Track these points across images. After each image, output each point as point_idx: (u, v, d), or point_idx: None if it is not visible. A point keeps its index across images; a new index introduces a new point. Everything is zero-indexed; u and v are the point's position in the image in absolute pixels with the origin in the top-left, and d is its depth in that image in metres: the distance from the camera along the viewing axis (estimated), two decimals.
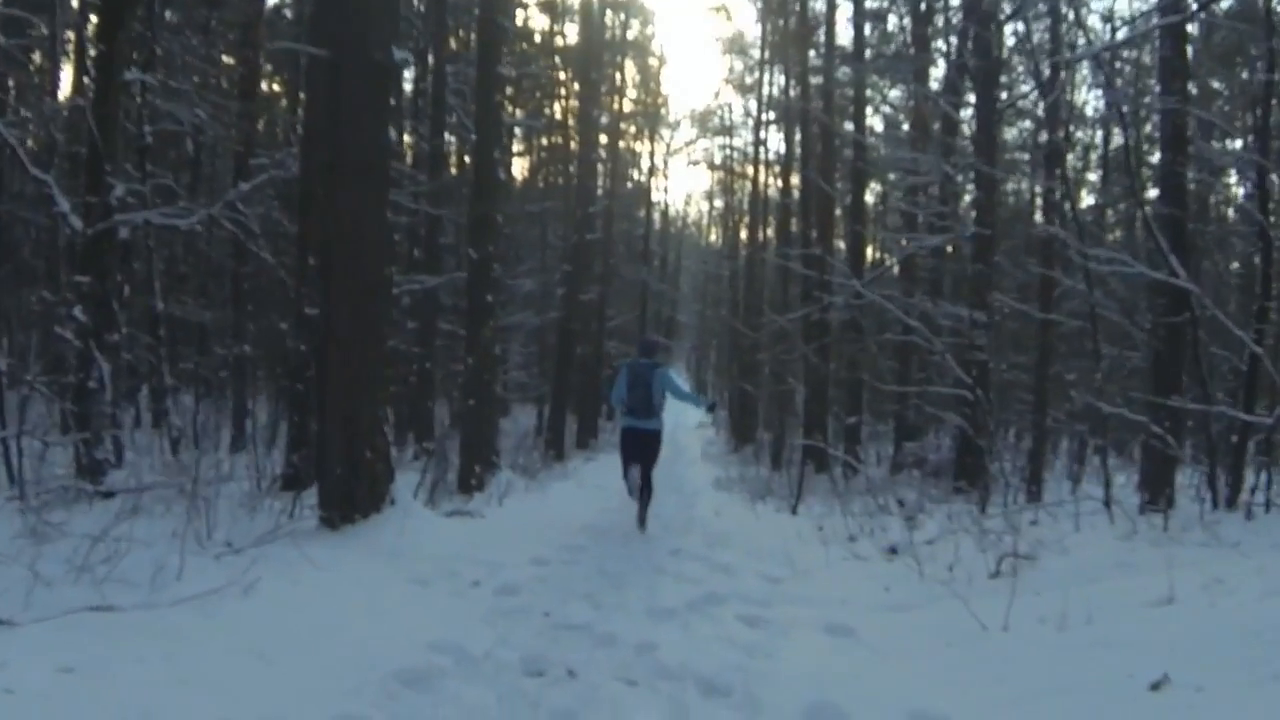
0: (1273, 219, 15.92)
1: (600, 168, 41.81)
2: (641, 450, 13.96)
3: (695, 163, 59.77)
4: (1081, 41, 23.65)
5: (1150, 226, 15.45)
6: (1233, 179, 28.31)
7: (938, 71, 30.85)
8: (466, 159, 30.88)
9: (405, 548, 10.31)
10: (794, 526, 15.19)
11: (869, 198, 34.12)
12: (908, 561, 10.96)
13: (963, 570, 9.87)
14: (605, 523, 15.14)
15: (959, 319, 21.38)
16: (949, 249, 27.85)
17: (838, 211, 32.16)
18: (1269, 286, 15.36)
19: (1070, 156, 26.22)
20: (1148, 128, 24.71)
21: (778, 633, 8.11)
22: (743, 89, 49.00)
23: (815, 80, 32.70)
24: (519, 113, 41.47)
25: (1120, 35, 19.43)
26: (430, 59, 27.86)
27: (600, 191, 41.14)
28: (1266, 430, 14.20)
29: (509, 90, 36.96)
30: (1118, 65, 25.64)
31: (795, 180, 37.98)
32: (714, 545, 13.10)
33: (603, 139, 42.10)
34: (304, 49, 13.97)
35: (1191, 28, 18.82)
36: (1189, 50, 17.52)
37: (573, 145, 37.55)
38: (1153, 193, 19.07)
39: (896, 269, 30.67)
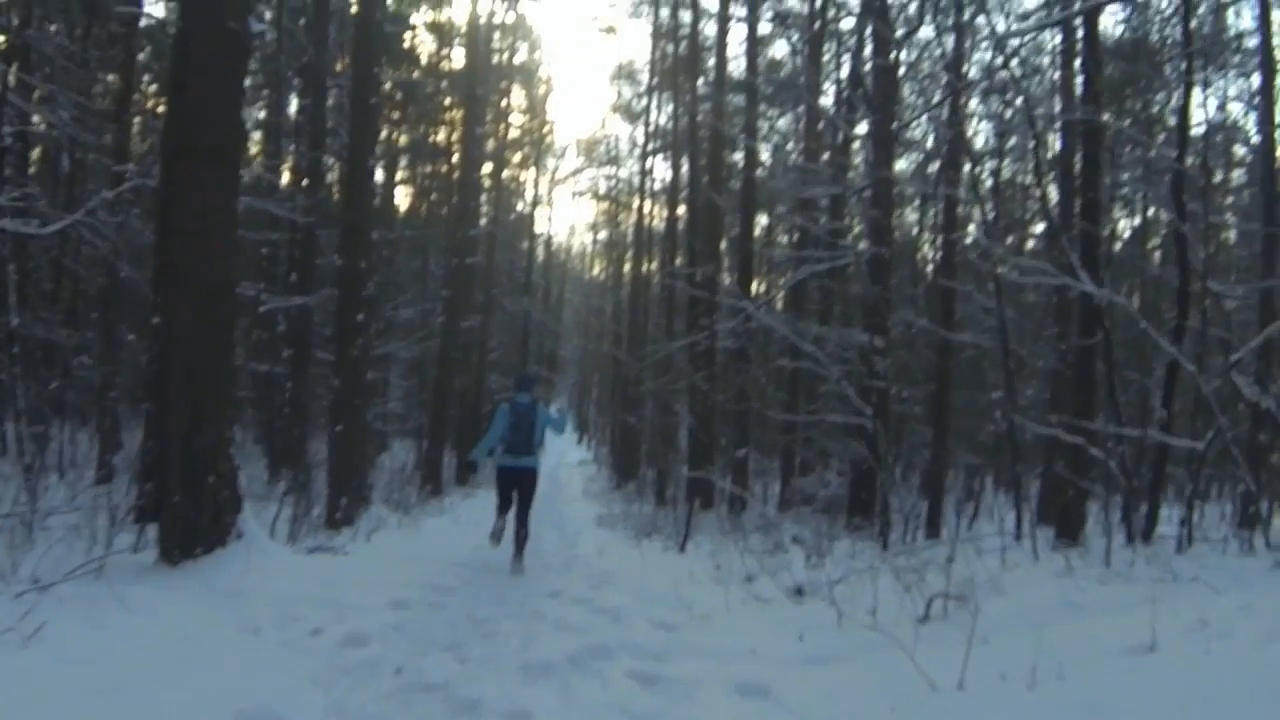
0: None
1: (484, 195, 40.54)
2: (521, 489, 13.27)
3: (581, 193, 58.53)
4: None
5: (1064, 242, 14.79)
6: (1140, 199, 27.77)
7: (827, 100, 30.06)
8: None
9: (246, 587, 8.88)
10: (684, 565, 13.88)
11: (756, 232, 33.00)
12: (818, 604, 9.72)
13: (887, 613, 8.55)
14: (479, 561, 13.75)
15: (854, 345, 20.25)
16: (841, 275, 26.84)
17: (724, 244, 31.02)
18: (1185, 305, 14.78)
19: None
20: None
21: (680, 696, 6.66)
22: (630, 116, 48.06)
23: (704, 107, 31.64)
24: (403, 139, 40.12)
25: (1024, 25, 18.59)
26: (296, 84, 26.39)
27: (484, 219, 39.90)
28: (1197, 456, 13.29)
29: (395, 115, 35.70)
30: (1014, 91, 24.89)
31: (681, 210, 36.97)
32: (599, 586, 11.69)
33: (487, 166, 40.88)
34: (145, 14, 12.45)
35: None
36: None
37: (455, 174, 36.02)
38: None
39: (781, 299, 29.70)
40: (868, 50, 24.11)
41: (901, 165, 31.13)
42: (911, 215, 33.42)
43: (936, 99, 23.93)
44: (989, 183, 22.35)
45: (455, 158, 37.00)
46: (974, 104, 27.35)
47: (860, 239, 25.86)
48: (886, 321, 19.80)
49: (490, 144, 41.76)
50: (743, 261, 28.21)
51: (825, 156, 27.57)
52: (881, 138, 20.30)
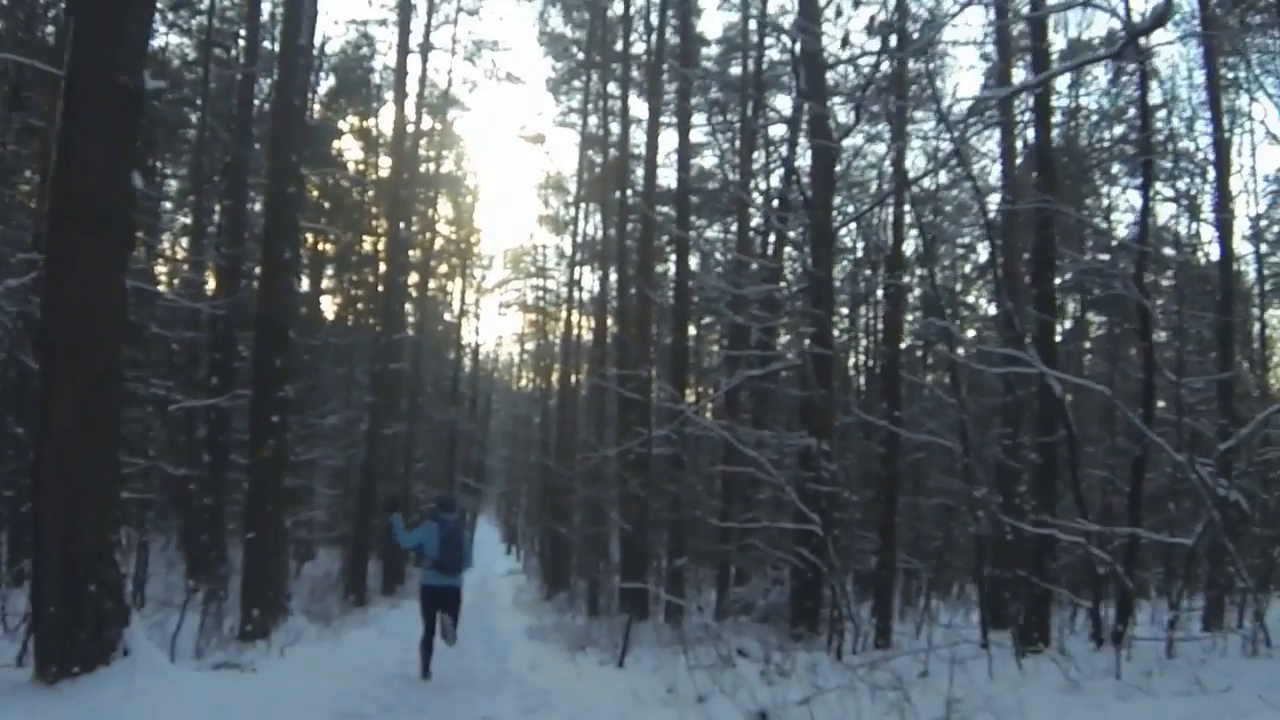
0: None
1: (410, 305, 39.33)
2: (447, 607, 12.99)
3: (508, 305, 57.24)
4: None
5: (1019, 335, 13.88)
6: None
7: (757, 205, 29.12)
8: None
9: (124, 715, 7.35)
10: (626, 682, 12.46)
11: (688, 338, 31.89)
12: None
13: None
14: (401, 680, 12.23)
15: (796, 450, 19.01)
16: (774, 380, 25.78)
17: (652, 352, 29.82)
18: (1151, 395, 13.93)
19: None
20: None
21: None
22: (558, 227, 47.08)
23: (633, 217, 30.75)
24: (329, 247, 38.84)
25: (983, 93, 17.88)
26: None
27: (410, 328, 38.71)
28: (1186, 551, 12.22)
29: (321, 221, 34.39)
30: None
31: (610, 321, 35.91)
32: (534, 711, 10.23)
33: (413, 276, 39.73)
34: (20, 59, 11.01)
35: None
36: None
37: (381, 283, 34.67)
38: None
39: (710, 407, 28.54)
40: (801, 149, 23.40)
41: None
42: (840, 323, 32.43)
43: (880, 191, 23.42)
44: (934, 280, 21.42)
45: (382, 267, 35.60)
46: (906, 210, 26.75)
47: (791, 346, 25.04)
48: (831, 423, 18.64)
49: (416, 253, 40.77)
50: (675, 367, 26.98)
51: (754, 266, 26.54)
52: (820, 234, 19.27)
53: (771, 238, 28.00)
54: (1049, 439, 15.16)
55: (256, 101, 24.46)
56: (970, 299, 34.61)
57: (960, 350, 16.20)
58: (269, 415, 16.10)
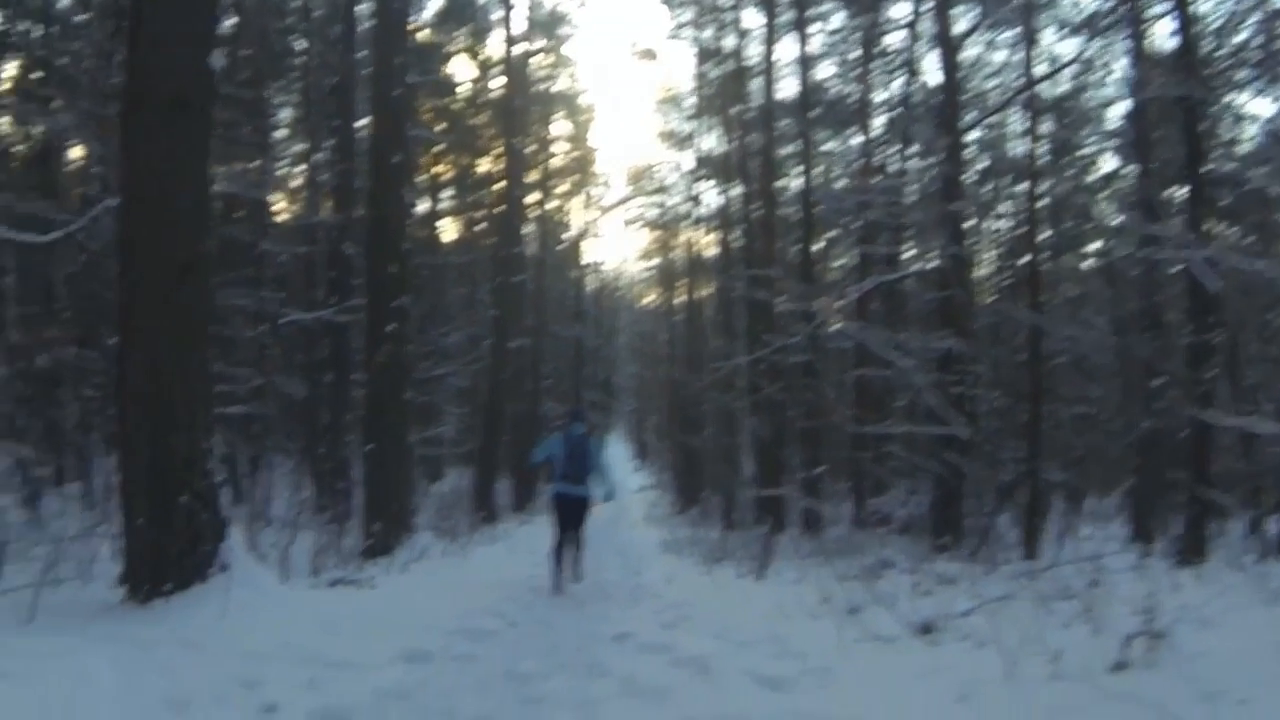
0: None
1: (530, 224, 38.49)
2: (576, 515, 12.71)
3: (631, 222, 55.94)
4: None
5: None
6: None
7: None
8: None
9: (215, 636, 6.60)
10: (769, 595, 11.41)
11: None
12: (959, 646, 7.25)
13: (1076, 659, 5.98)
14: (529, 593, 11.33)
15: (935, 353, 17.71)
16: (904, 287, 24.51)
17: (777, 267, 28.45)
18: None
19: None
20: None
21: None
22: (677, 143, 45.47)
23: (753, 136, 29.59)
24: (446, 173, 37.93)
25: None
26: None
27: (531, 245, 37.84)
28: None
29: (438, 149, 33.55)
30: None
31: (735, 235, 34.60)
32: (674, 625, 9.16)
33: (533, 195, 38.84)
34: None
35: None
36: None
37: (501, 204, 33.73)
38: None
39: (840, 314, 27.15)
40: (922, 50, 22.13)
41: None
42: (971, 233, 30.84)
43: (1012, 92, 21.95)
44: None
45: (500, 185, 34.62)
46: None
47: (922, 253, 23.72)
48: (971, 325, 17.32)
49: (535, 174, 39.56)
50: (804, 277, 25.53)
51: (879, 178, 25.03)
52: (949, 128, 17.86)
53: (894, 149, 26.55)
54: (1205, 336, 13.76)
55: (362, 27, 23.52)
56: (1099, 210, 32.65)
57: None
58: (384, 324, 15.20)
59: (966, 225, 28.48)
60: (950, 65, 18.32)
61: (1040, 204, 28.16)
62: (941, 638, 7.79)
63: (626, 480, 53.99)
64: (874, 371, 21.18)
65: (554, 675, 6.64)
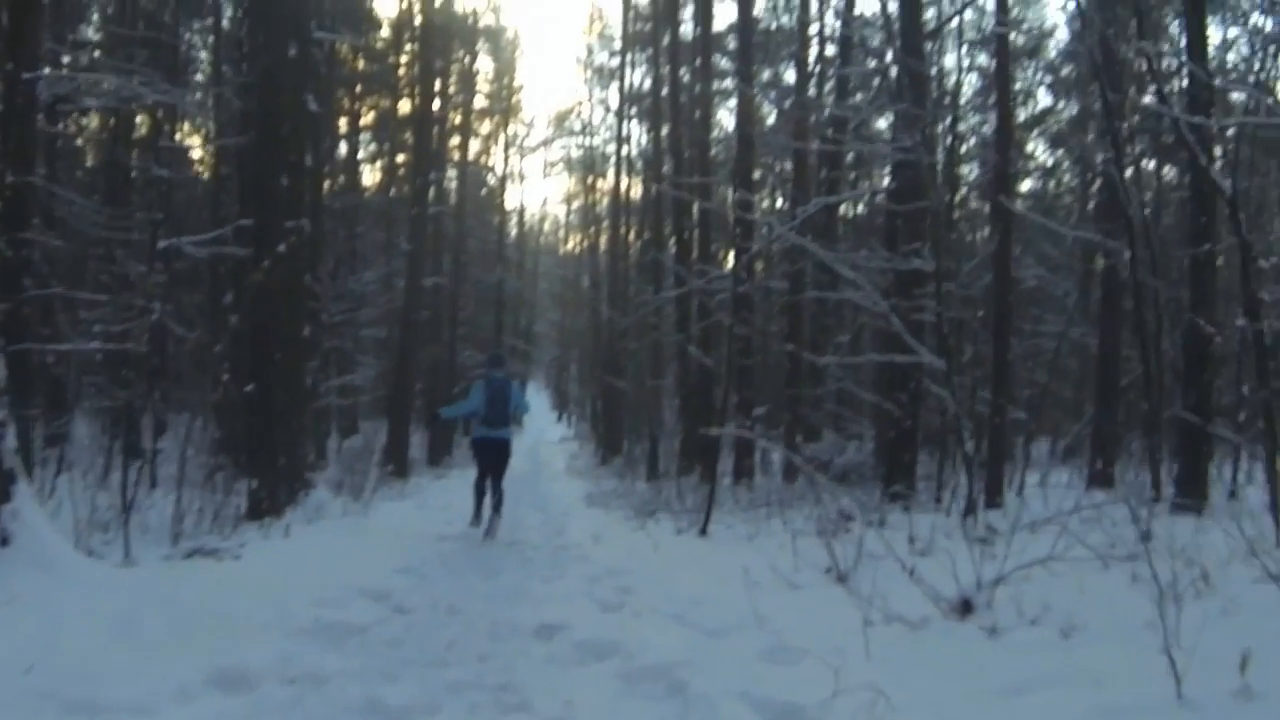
0: None
1: (451, 170, 36.00)
2: (498, 458, 12.74)
3: (553, 164, 53.56)
4: None
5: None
6: None
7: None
8: None
9: None
10: (724, 557, 9.18)
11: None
12: (1033, 632, 5.11)
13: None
14: (432, 562, 8.87)
15: (896, 272, 15.39)
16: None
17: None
18: None
19: None
20: None
21: None
22: (603, 78, 43.10)
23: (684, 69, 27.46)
24: (367, 118, 35.06)
25: None
26: None
27: (452, 192, 35.26)
28: None
29: (357, 88, 30.93)
30: None
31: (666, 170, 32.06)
32: (617, 606, 6.80)
33: (454, 139, 36.24)
34: None
35: None
36: None
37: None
38: None
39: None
40: None
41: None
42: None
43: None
44: None
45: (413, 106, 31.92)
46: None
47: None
48: (944, 240, 15.09)
49: (456, 116, 36.83)
50: (742, 206, 23.05)
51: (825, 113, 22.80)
52: (908, 13, 15.53)
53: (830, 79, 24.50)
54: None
55: None
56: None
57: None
58: (271, 244, 12.54)
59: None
60: None
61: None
62: (994, 619, 5.46)
63: (547, 431, 51.87)
64: (821, 294, 18.97)
65: (440, 711, 4.17)
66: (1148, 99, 18.26)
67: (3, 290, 9.91)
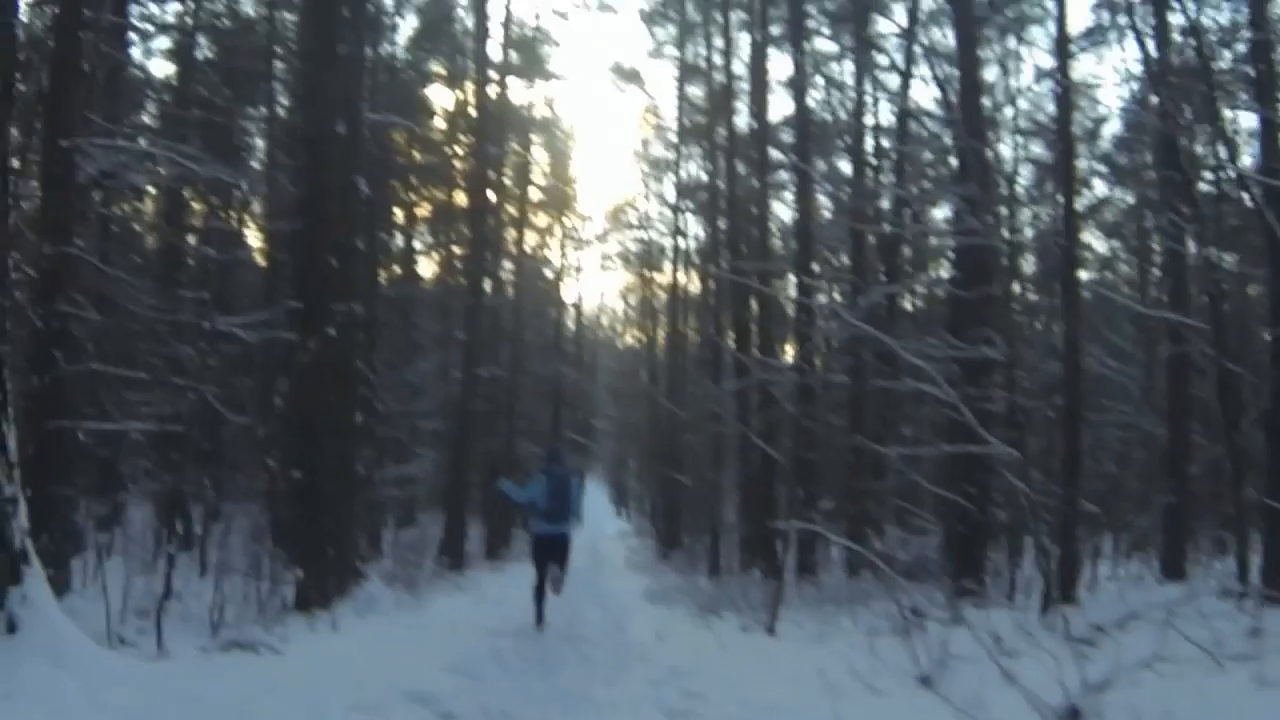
0: None
1: (507, 263, 35.87)
2: (558, 554, 12.58)
3: (609, 258, 53.54)
4: None
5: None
6: None
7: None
8: None
9: None
10: (795, 658, 8.60)
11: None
12: None
13: None
14: (491, 657, 8.46)
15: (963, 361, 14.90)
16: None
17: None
18: None
19: None
20: None
21: None
22: (657, 170, 42.87)
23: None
24: (423, 210, 35.12)
25: None
26: None
27: (509, 286, 35.25)
28: None
29: (411, 179, 30.97)
30: None
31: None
32: (684, 713, 6.17)
33: (510, 233, 36.17)
34: None
35: None
36: None
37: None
38: None
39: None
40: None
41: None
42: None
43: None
44: None
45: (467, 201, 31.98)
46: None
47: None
48: (1010, 324, 14.65)
49: (512, 209, 36.79)
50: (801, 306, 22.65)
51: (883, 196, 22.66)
52: (969, 100, 15.30)
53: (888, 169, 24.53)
54: None
55: None
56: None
57: None
58: (321, 325, 12.17)
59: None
60: (967, 38, 15.66)
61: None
62: None
63: (605, 525, 51.52)
64: (888, 384, 18.45)
65: None
66: (1204, 185, 18.04)
67: (36, 364, 9.64)
